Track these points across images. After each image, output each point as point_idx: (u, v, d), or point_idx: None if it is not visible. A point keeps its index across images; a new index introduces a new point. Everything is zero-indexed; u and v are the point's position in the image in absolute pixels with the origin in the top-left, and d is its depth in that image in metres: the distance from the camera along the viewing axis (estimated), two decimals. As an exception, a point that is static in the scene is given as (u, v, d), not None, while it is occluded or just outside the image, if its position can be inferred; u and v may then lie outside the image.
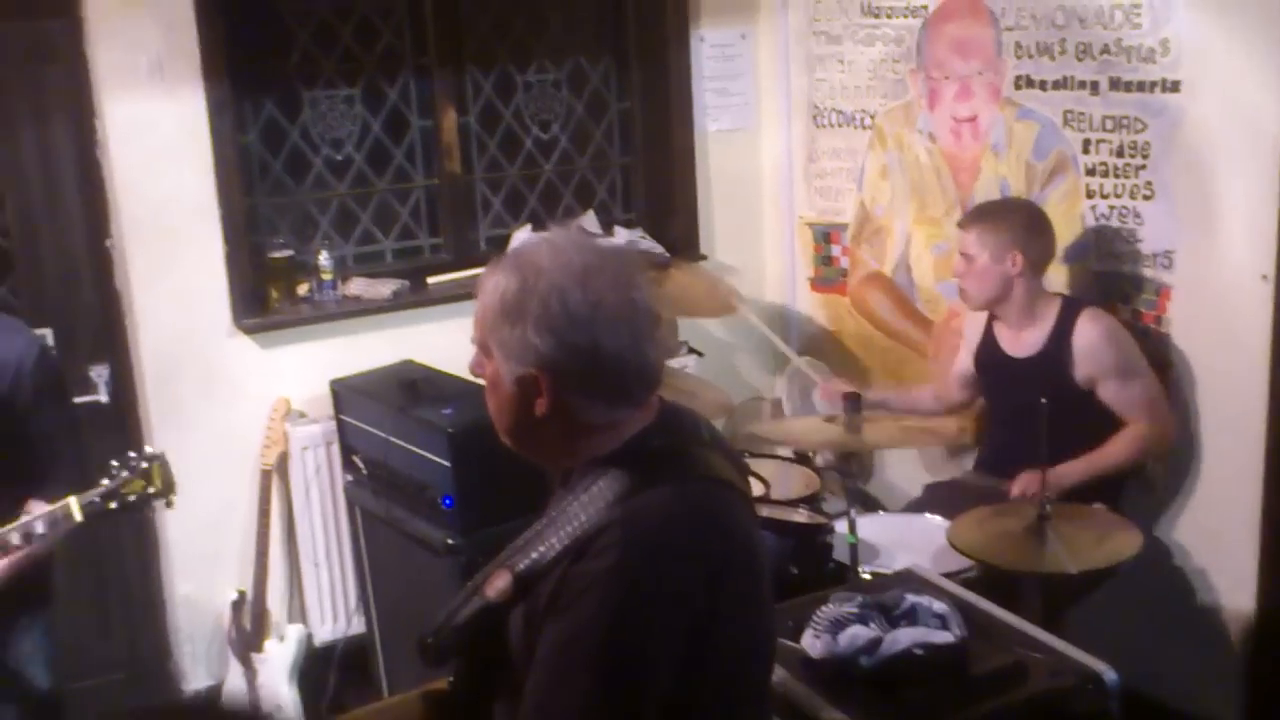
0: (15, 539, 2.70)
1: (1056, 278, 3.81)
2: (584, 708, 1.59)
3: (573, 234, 1.80)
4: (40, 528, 2.70)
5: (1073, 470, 3.37)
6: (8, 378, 2.85)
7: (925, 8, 4.17)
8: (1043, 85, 3.83)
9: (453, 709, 1.84)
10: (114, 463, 2.74)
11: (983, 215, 3.62)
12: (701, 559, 1.67)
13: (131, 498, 2.72)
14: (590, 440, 1.73)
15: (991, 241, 3.51)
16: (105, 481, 2.72)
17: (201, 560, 4.17)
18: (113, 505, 2.71)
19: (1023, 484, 3.39)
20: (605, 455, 1.72)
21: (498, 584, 1.69)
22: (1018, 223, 3.56)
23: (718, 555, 1.69)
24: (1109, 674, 2.38)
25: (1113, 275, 3.71)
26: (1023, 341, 3.59)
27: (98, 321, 4.03)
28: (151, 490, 2.74)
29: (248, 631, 4.05)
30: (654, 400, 1.78)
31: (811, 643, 2.47)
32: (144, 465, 2.74)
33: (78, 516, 2.69)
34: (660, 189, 4.87)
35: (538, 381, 1.69)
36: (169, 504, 2.82)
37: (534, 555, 1.67)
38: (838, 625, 2.46)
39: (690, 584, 1.64)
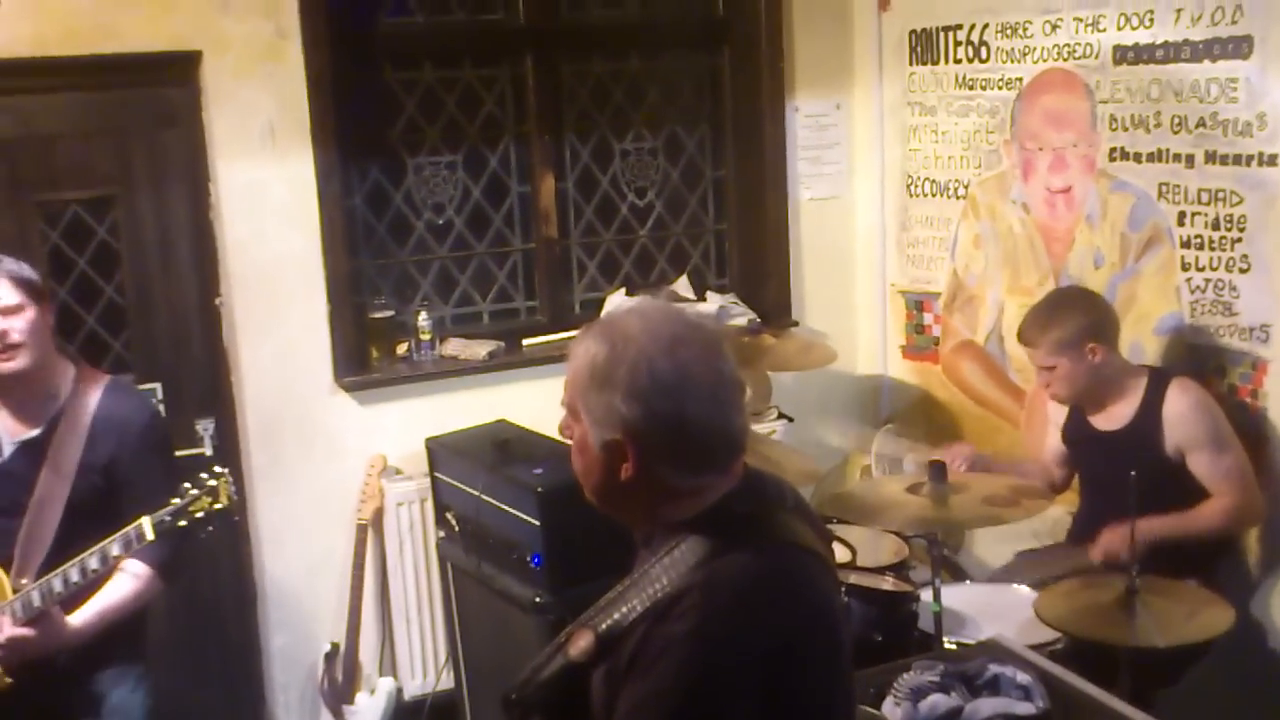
0: (94, 563, 2.77)
1: (1150, 350, 3.78)
2: None
3: (662, 303, 1.85)
4: (115, 549, 2.76)
5: (1158, 526, 3.31)
6: (114, 437, 2.93)
7: (1020, 80, 4.19)
8: (1138, 157, 3.83)
9: None
10: (184, 484, 2.81)
11: (1044, 322, 3.55)
12: (780, 624, 1.69)
13: (199, 514, 2.77)
14: (674, 505, 1.76)
15: (1064, 345, 3.48)
16: (175, 501, 2.78)
17: (297, 612, 4.27)
18: (182, 523, 2.76)
19: (1106, 541, 3.35)
20: (689, 519, 1.75)
21: (580, 643, 1.72)
22: (1080, 314, 3.53)
23: (797, 621, 1.71)
24: (1195, 751, 2.35)
25: (1208, 348, 3.68)
26: (1111, 415, 3.57)
27: (205, 377, 4.18)
28: (218, 506, 2.79)
29: (340, 684, 4.12)
30: (738, 466, 1.81)
31: (892, 710, 2.47)
32: (210, 483, 2.79)
33: (149, 535, 2.75)
34: (753, 255, 4.92)
35: (624, 448, 1.72)
36: (234, 519, 2.87)
37: (616, 616, 1.70)
38: (918, 693, 2.46)
39: (768, 649, 1.66)
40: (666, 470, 1.73)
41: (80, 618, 2.87)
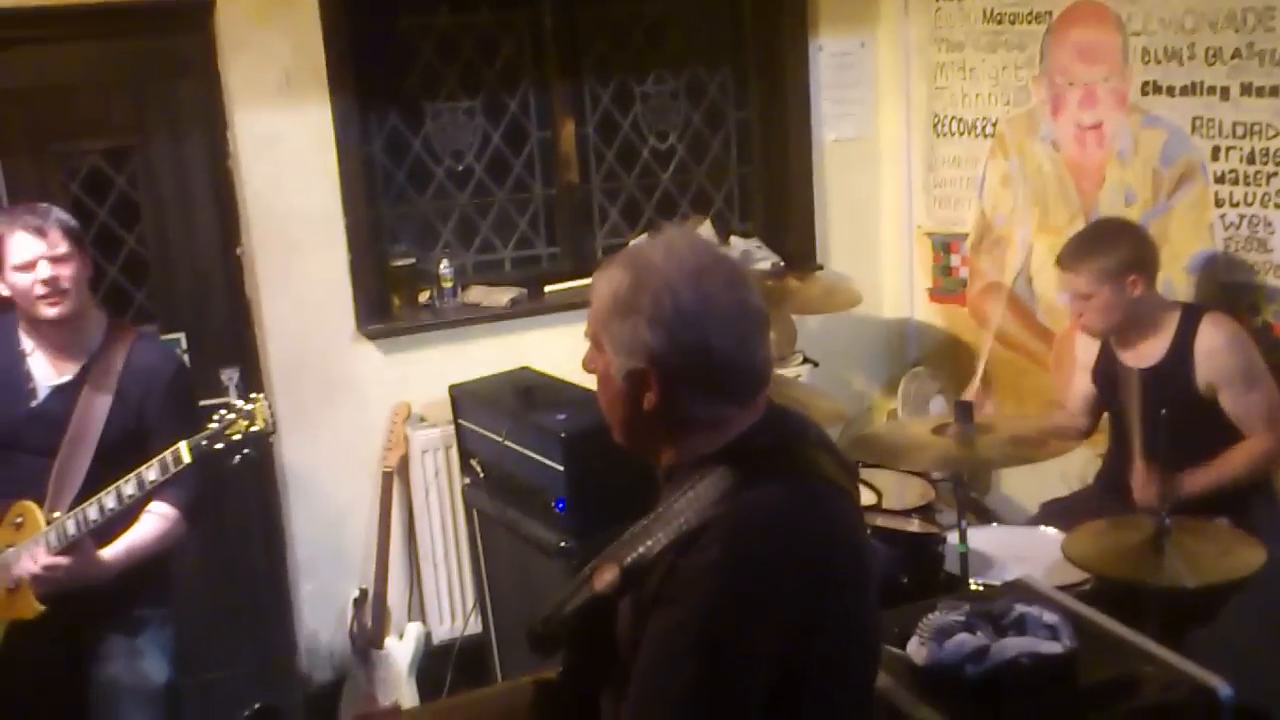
0: (130, 489, 2.84)
1: (1183, 288, 3.72)
2: (685, 696, 1.60)
3: (687, 234, 1.83)
4: (152, 474, 2.83)
5: (1195, 481, 3.28)
6: (143, 384, 3.03)
7: (1050, 13, 4.10)
8: (1171, 91, 3.75)
9: (561, 697, 1.87)
10: (220, 409, 2.86)
11: (1088, 250, 3.46)
12: (804, 556, 1.67)
13: (236, 437, 2.82)
14: (697, 437, 1.75)
15: (1107, 273, 3.39)
16: (213, 425, 2.84)
17: (325, 559, 4.29)
18: (219, 446, 2.82)
19: (1140, 486, 3.30)
20: (712, 453, 1.74)
21: (605, 576, 1.72)
22: (1126, 244, 3.44)
23: (821, 553, 1.69)
24: (1223, 689, 2.32)
25: (1242, 286, 3.61)
26: (1142, 352, 3.50)
27: (228, 327, 4.17)
28: (255, 429, 2.83)
29: (369, 629, 4.14)
30: (762, 400, 1.79)
31: (917, 650, 2.44)
32: (247, 407, 2.85)
33: (186, 458, 2.81)
34: (777, 199, 4.87)
35: (647, 376, 1.71)
36: (270, 443, 2.93)
37: (641, 549, 1.69)
38: (944, 633, 2.43)
39: (793, 580, 1.65)
40: (690, 399, 1.72)
41: (110, 552, 2.96)
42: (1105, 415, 3.78)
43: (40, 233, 2.92)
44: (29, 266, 2.92)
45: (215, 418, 2.84)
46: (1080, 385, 3.78)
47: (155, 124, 4.01)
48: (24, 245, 2.92)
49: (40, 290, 2.92)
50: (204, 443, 2.81)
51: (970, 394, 4.02)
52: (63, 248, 2.94)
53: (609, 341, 1.74)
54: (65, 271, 2.94)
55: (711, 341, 1.69)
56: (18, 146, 3.88)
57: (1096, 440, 3.82)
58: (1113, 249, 3.42)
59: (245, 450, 2.84)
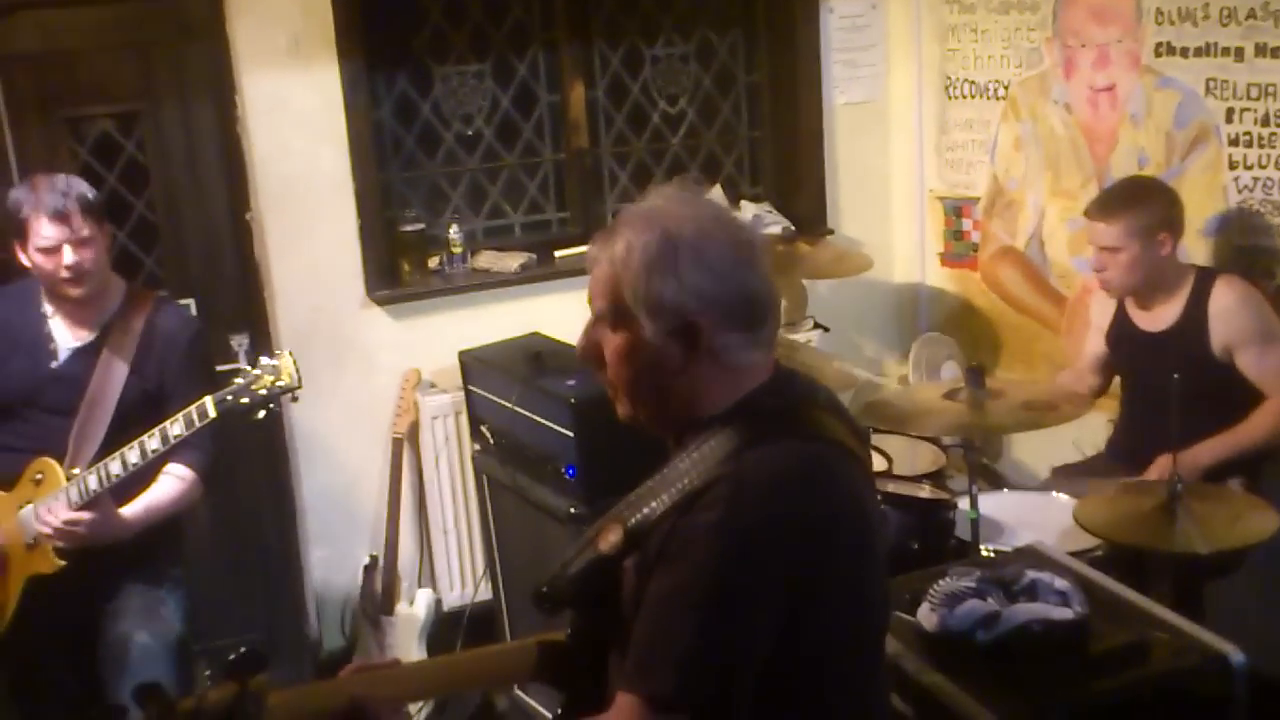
0: (154, 443, 2.87)
1: (1197, 252, 3.69)
2: (686, 654, 1.60)
3: (677, 190, 1.81)
4: (177, 428, 2.86)
5: (1212, 449, 3.27)
6: (162, 347, 3.08)
7: (1062, -27, 4.07)
8: (1184, 52, 3.71)
9: (567, 657, 1.88)
10: (244, 365, 2.90)
11: (1124, 202, 3.43)
12: (809, 515, 1.66)
13: (262, 392, 2.85)
14: (719, 389, 1.74)
15: (1140, 228, 3.36)
16: (239, 380, 2.87)
17: (335, 526, 4.30)
18: (244, 400, 2.85)
19: (1160, 468, 3.29)
20: (719, 414, 1.73)
21: (610, 537, 1.72)
22: (1161, 202, 3.42)
23: (826, 513, 1.69)
24: (1236, 655, 2.31)
25: (1256, 249, 3.59)
26: (1157, 316, 3.49)
27: (238, 292, 4.17)
28: (280, 384, 2.86)
29: (379, 595, 4.15)
30: (770, 361, 1.79)
31: (927, 616, 2.44)
32: (273, 363, 2.88)
33: (212, 413, 2.84)
34: (788, 163, 4.84)
35: (697, 328, 1.70)
36: (295, 398, 2.95)
37: (645, 510, 1.70)
38: (955, 599, 2.43)
39: (796, 539, 1.65)
40: (734, 342, 1.73)
41: (130, 510, 3.01)
42: (1116, 381, 3.77)
43: (64, 219, 2.94)
44: (53, 251, 2.95)
45: (240, 373, 2.87)
46: (1093, 345, 3.76)
47: (163, 88, 3.99)
48: (48, 230, 2.95)
49: (65, 274, 2.97)
50: (229, 398, 2.85)
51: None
52: (86, 230, 2.97)
53: (645, 306, 1.70)
54: (88, 254, 2.98)
55: (748, 279, 1.72)
56: (27, 112, 3.87)
57: (1108, 406, 3.81)
58: (1147, 205, 3.40)
59: (271, 405, 2.88)
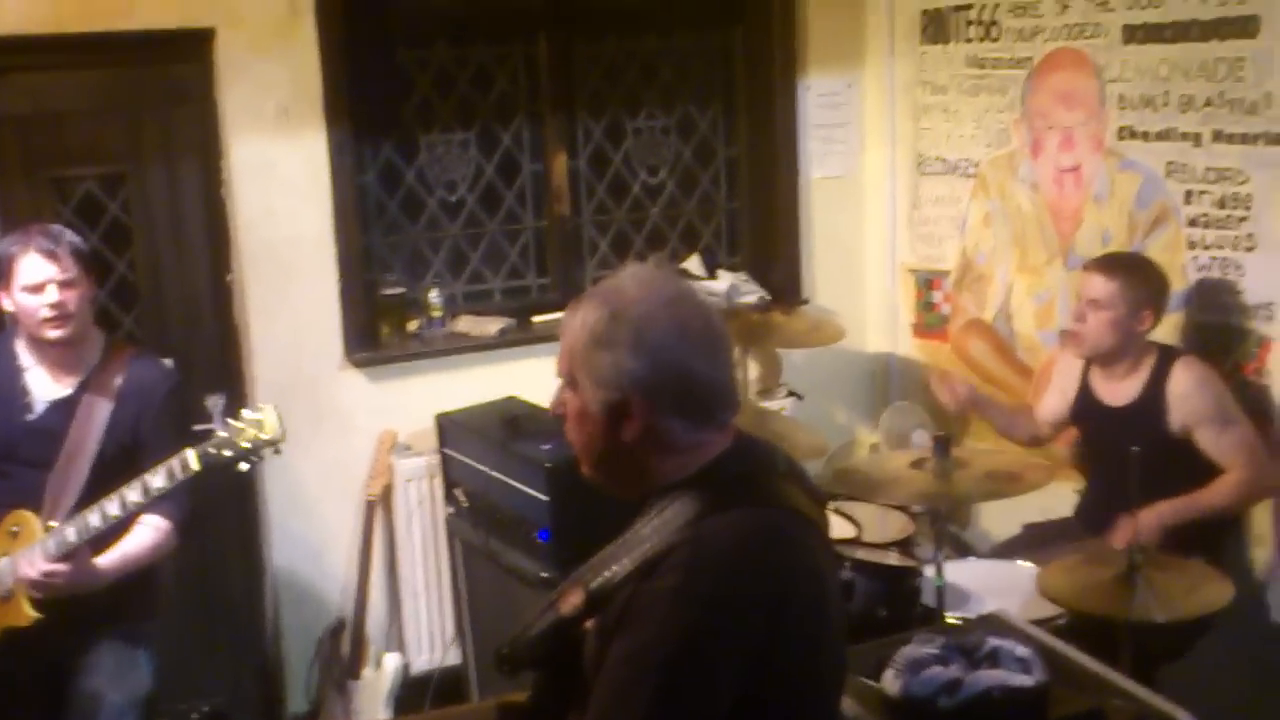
0: (134, 495, 2.88)
1: (1157, 328, 3.77)
2: (645, 717, 1.63)
3: (652, 268, 1.88)
4: (158, 481, 2.87)
5: (1174, 508, 3.35)
6: (140, 401, 3.10)
7: (1030, 59, 4.19)
8: (1145, 136, 3.83)
9: (528, 718, 1.91)
10: (228, 418, 2.91)
11: (1127, 267, 3.55)
12: (767, 583, 1.71)
13: (246, 445, 2.87)
14: (670, 464, 1.79)
15: (1132, 296, 3.47)
16: (222, 433, 2.88)
17: (305, 587, 4.30)
18: (228, 453, 2.86)
19: (1124, 532, 3.35)
20: (681, 480, 1.78)
21: (571, 600, 1.76)
22: (1158, 283, 3.54)
23: (784, 581, 1.73)
24: (1190, 723, 2.36)
25: (1214, 327, 3.68)
26: (1119, 390, 3.57)
27: (216, 352, 4.21)
28: (264, 436, 2.88)
29: (346, 659, 4.15)
30: (731, 429, 1.84)
31: (891, 681, 2.48)
32: (256, 416, 2.90)
33: (195, 465, 2.85)
34: (765, 234, 4.93)
35: (629, 405, 1.76)
36: (278, 450, 2.94)
37: (607, 573, 1.74)
38: (918, 665, 2.47)
39: (754, 607, 1.69)
40: (670, 424, 1.77)
41: (105, 559, 3.00)
42: (1082, 454, 3.85)
43: (53, 256, 2.98)
44: (38, 289, 2.98)
45: (224, 426, 2.89)
46: (1051, 404, 3.85)
47: (150, 151, 4.05)
48: (35, 267, 2.98)
49: (47, 313, 2.98)
50: (212, 450, 2.86)
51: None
52: (72, 272, 3.01)
53: (588, 376, 1.78)
54: (71, 295, 3.01)
55: (691, 365, 1.75)
56: (12, 171, 3.92)
57: (1074, 477, 3.88)
58: (1146, 279, 3.52)
59: (254, 458, 2.89)
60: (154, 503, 2.94)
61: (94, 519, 2.90)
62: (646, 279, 1.80)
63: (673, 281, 1.83)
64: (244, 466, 2.91)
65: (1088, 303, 3.53)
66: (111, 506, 2.89)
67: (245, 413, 2.92)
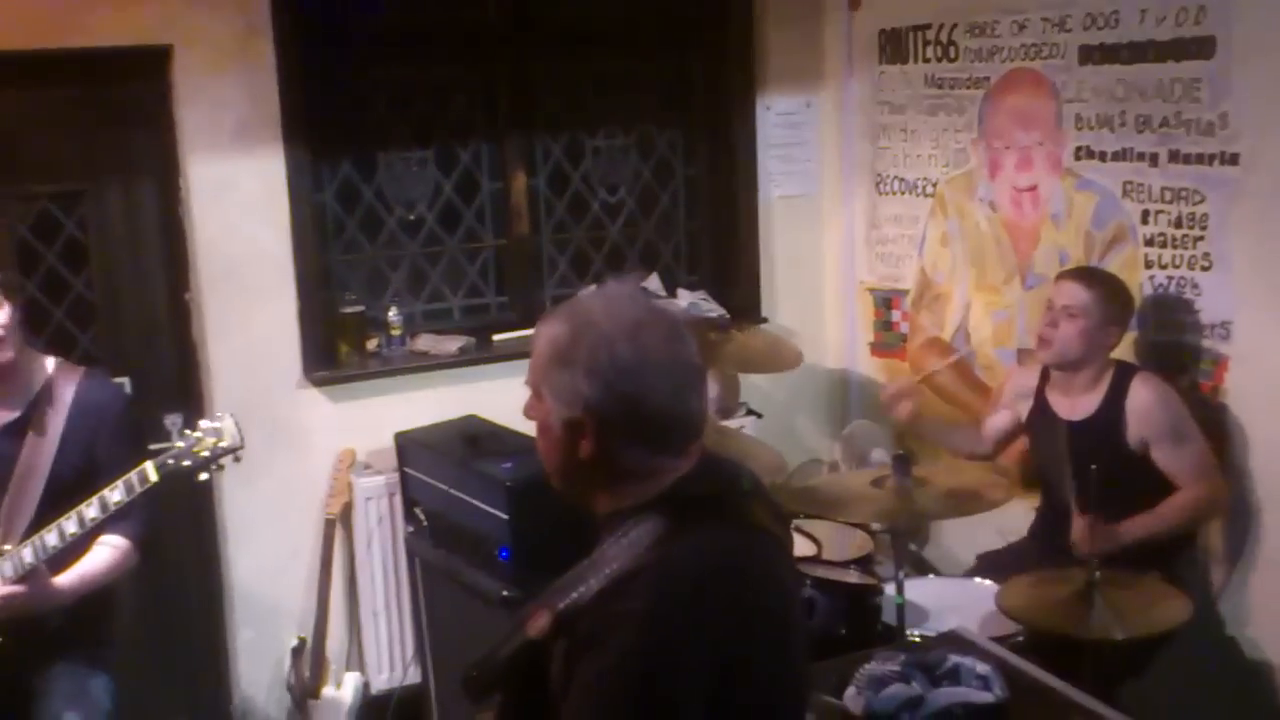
0: (92, 511, 2.85)
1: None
2: None
3: (626, 288, 1.87)
4: (116, 494, 2.85)
5: (1131, 527, 3.37)
6: (92, 421, 3.06)
7: (988, 79, 4.23)
8: (1102, 156, 3.87)
9: None
10: (186, 430, 2.89)
11: (1104, 281, 3.61)
12: (733, 604, 1.71)
13: (205, 454, 2.86)
14: (632, 485, 1.79)
15: (1104, 310, 3.53)
16: (179, 444, 2.86)
17: (264, 607, 4.27)
18: (186, 463, 2.86)
19: (1079, 532, 3.38)
20: (646, 501, 1.78)
21: (538, 621, 1.74)
22: (1128, 305, 3.61)
23: (749, 601, 1.73)
24: (1149, 739, 2.38)
25: (1170, 345, 3.72)
26: (1076, 405, 3.61)
27: (174, 371, 4.17)
28: (223, 445, 2.87)
29: (306, 678, 4.12)
30: (696, 449, 1.83)
31: (853, 699, 2.49)
32: (215, 425, 2.89)
33: (154, 476, 2.83)
34: (724, 253, 4.95)
35: (583, 425, 1.75)
36: (237, 458, 2.94)
37: (574, 595, 1.73)
38: (879, 683, 2.48)
39: (720, 627, 1.69)
40: (624, 449, 1.76)
41: (65, 579, 2.97)
42: (1034, 469, 3.88)
43: None
44: None
45: (182, 436, 2.87)
46: (999, 419, 3.88)
47: (107, 169, 4.02)
48: None
49: None
50: (170, 460, 2.85)
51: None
52: None
53: (548, 391, 1.78)
54: (1, 316, 2.95)
55: (646, 394, 1.74)
56: (-34, 189, 3.87)
57: (1030, 495, 3.91)
58: (1117, 295, 3.58)
59: (213, 466, 2.88)
60: (113, 521, 2.92)
61: (51, 538, 2.88)
62: (615, 301, 1.79)
63: (642, 305, 1.81)
64: (203, 476, 2.91)
65: (1061, 309, 3.56)
66: (69, 525, 2.87)
67: (203, 423, 2.91)
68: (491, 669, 1.80)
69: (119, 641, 3.27)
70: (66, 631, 3.00)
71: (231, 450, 2.90)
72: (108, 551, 3.04)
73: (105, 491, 2.86)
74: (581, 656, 1.68)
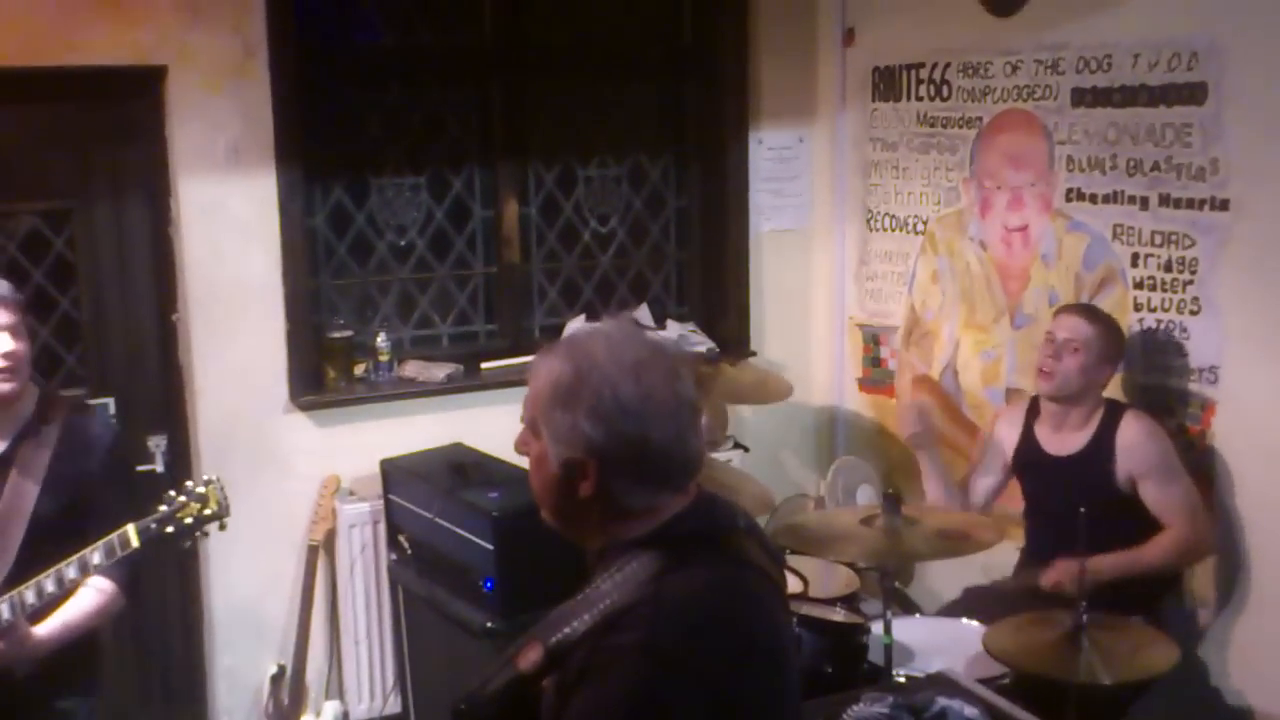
0: (71, 572, 2.74)
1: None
2: None
3: (625, 326, 1.87)
4: (97, 557, 2.74)
5: (1114, 562, 3.36)
6: (80, 456, 2.91)
7: (980, 119, 4.25)
8: (1093, 198, 3.89)
9: None
10: (170, 492, 2.80)
11: (1105, 320, 3.63)
12: (727, 640, 1.71)
13: (188, 520, 2.76)
14: (628, 523, 1.78)
15: (1102, 347, 3.56)
16: (162, 508, 2.77)
17: (244, 634, 4.23)
18: (169, 530, 2.76)
19: (1057, 571, 3.38)
20: (641, 537, 1.77)
21: (530, 655, 1.73)
22: (1120, 339, 3.64)
23: (743, 638, 1.73)
24: (1136, 786, 2.37)
25: (1158, 388, 3.73)
26: (1065, 441, 3.62)
27: (159, 393, 4.14)
28: (207, 512, 2.78)
29: (285, 706, 4.09)
30: (693, 487, 1.83)
31: (840, 741, 2.48)
32: (199, 490, 2.79)
33: (135, 542, 2.73)
34: (714, 285, 4.95)
35: (585, 466, 1.75)
36: (222, 526, 2.84)
37: (566, 629, 1.72)
38: (867, 724, 2.47)
39: (713, 664, 1.68)
40: (625, 489, 1.75)
41: (45, 629, 2.83)
42: (1021, 509, 3.87)
43: (3, 303, 2.80)
44: None
45: (165, 500, 2.77)
46: (988, 481, 3.88)
47: (98, 187, 4.00)
48: None
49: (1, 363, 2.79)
50: (153, 526, 2.75)
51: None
52: (16, 319, 2.81)
53: (547, 429, 1.77)
54: (24, 346, 2.82)
55: (650, 434, 1.73)
56: (-46, 206, 3.85)
57: (1017, 535, 3.90)
58: (1113, 335, 3.62)
59: (198, 534, 2.79)
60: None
61: (30, 596, 2.74)
62: (617, 341, 1.78)
63: (643, 344, 1.80)
64: (186, 544, 2.81)
65: (1064, 342, 3.59)
66: (49, 584, 2.74)
67: (188, 484, 2.80)
68: (481, 703, 1.78)
69: (102, 681, 3.15)
70: (49, 666, 2.86)
71: (216, 518, 2.80)
72: (92, 595, 2.88)
73: (86, 552, 2.74)
74: (573, 691, 1.67)
